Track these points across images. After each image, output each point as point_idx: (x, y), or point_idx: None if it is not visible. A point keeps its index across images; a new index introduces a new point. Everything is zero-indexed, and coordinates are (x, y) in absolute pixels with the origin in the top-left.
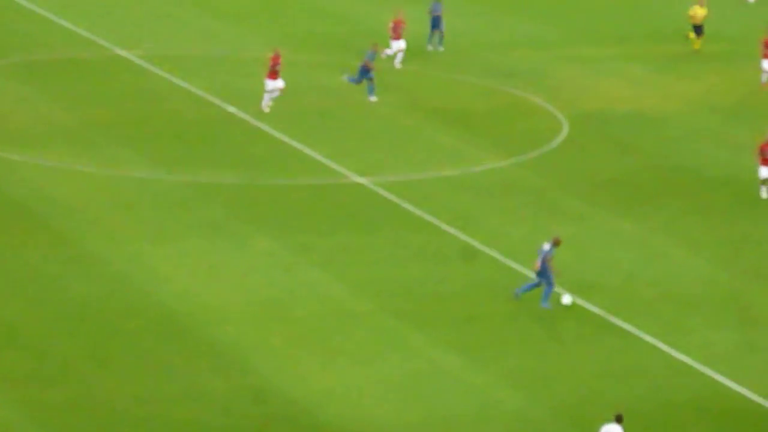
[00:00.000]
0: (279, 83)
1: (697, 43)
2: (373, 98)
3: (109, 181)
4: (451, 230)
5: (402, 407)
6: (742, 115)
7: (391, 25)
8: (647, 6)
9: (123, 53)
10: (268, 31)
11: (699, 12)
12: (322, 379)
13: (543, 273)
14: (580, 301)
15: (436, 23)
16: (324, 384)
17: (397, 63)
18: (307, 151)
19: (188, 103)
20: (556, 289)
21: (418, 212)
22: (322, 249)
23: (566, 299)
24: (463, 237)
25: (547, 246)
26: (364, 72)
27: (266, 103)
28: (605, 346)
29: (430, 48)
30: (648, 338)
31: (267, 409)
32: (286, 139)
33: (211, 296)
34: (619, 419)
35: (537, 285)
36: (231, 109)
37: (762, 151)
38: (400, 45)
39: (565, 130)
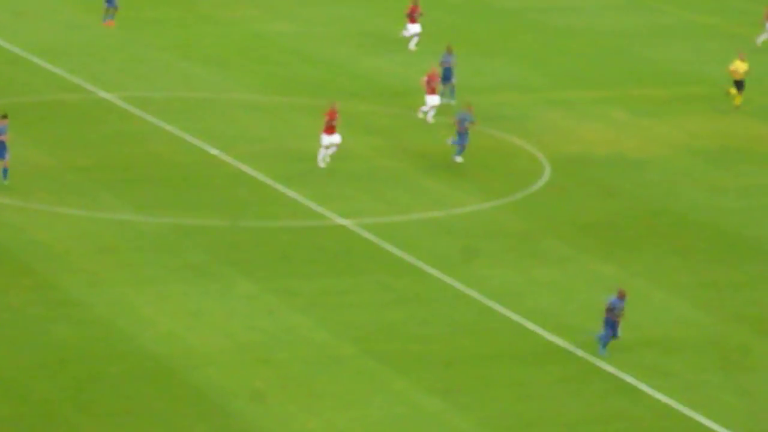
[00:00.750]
0: (335, 138)
1: (738, 99)
2: (459, 159)
3: (92, 225)
4: (434, 273)
5: None
6: (724, 158)
7: (425, 78)
8: (629, 50)
9: (107, 96)
10: (251, 75)
11: (740, 67)
12: (305, 422)
13: (611, 325)
14: (563, 344)
15: (447, 75)
16: (306, 427)
17: (430, 118)
18: (290, 193)
19: (171, 146)
20: None
21: (400, 255)
22: (305, 292)
23: None
24: (446, 279)
25: (613, 298)
26: (463, 134)
27: (322, 158)
28: (588, 389)
29: (444, 100)
30: (631, 381)
31: None
32: (268, 181)
33: (194, 340)
34: None
35: (613, 336)
36: (214, 151)
37: None
38: (434, 100)
39: (547, 173)
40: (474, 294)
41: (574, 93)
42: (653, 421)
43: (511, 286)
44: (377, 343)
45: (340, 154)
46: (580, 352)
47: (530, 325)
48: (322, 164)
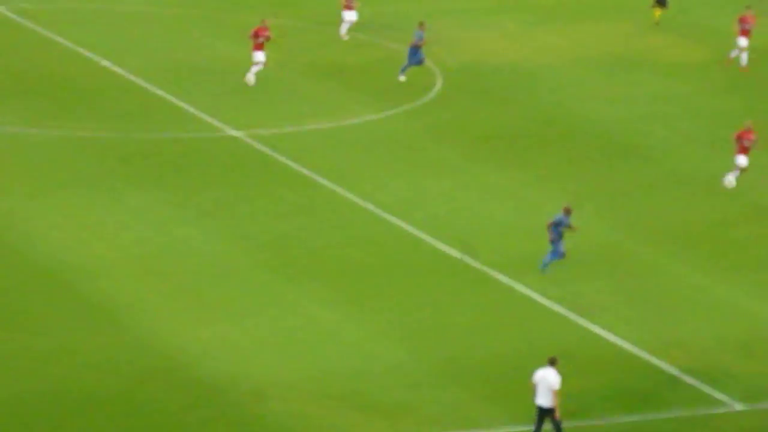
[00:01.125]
0: (260, 56)
1: (657, 13)
2: (403, 77)
3: None
4: (326, 183)
5: (278, 362)
6: (615, 67)
7: None
8: None
9: None
10: None
11: None
12: (198, 334)
13: (553, 241)
14: (456, 255)
15: (415, 52)
16: (200, 339)
17: (343, 34)
18: (182, 105)
19: (62, 57)
20: None
21: (293, 166)
22: (197, 204)
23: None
24: (338, 191)
25: (560, 215)
26: (415, 51)
27: (253, 74)
28: (481, 299)
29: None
30: (523, 290)
31: (142, 365)
32: (160, 93)
33: (86, 252)
34: (552, 362)
35: (557, 254)
36: (105, 63)
37: (739, 139)
38: (351, 16)
39: (439, 83)
40: (367, 205)
41: (466, 2)
42: (545, 329)
43: (403, 197)
44: (270, 255)
45: (232, 66)
46: (473, 262)
47: (423, 236)
48: (252, 80)
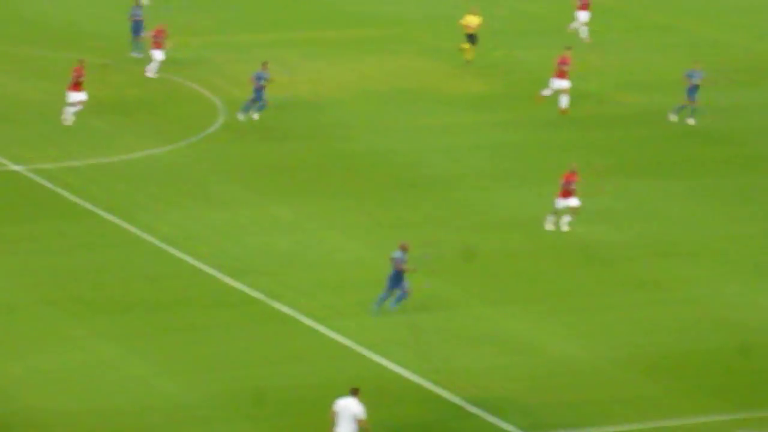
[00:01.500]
0: (81, 96)
1: (471, 53)
2: (242, 116)
3: None
4: (110, 218)
5: (60, 398)
6: (396, 100)
7: (152, 33)
8: None
9: None
10: None
11: (472, 20)
12: None
13: (397, 280)
14: (240, 287)
15: (259, 90)
16: None
17: (151, 72)
18: None
19: None
20: None
21: (76, 200)
22: None
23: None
24: (121, 225)
25: (398, 253)
26: (259, 91)
27: (68, 117)
28: (265, 331)
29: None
30: (307, 322)
31: None
32: None
33: None
34: (354, 392)
35: (388, 296)
36: None
37: (567, 183)
38: (158, 55)
39: (222, 117)
40: (151, 239)
41: (246, 36)
42: (329, 361)
43: (186, 231)
44: (52, 290)
45: (13, 101)
46: (256, 294)
47: (206, 269)
48: (68, 122)
